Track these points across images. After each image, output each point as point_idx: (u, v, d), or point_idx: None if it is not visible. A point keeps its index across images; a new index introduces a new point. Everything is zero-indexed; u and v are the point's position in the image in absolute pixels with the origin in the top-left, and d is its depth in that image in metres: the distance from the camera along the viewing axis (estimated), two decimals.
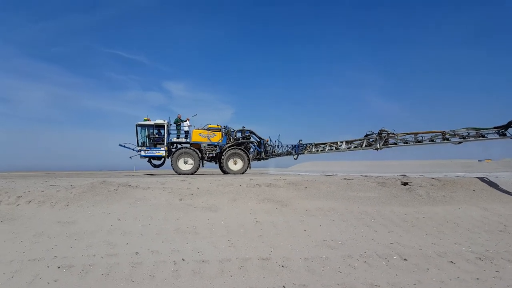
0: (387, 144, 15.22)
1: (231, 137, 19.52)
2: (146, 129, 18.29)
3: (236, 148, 18.95)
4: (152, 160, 18.93)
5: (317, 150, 18.57)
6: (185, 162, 18.27)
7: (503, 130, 11.70)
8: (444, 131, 13.13)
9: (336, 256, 6.02)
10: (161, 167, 19.43)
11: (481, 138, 12.26)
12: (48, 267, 5.42)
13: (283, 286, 5.04)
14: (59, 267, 5.41)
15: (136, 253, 5.95)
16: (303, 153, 19.17)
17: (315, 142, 18.78)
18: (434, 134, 13.65)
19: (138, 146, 18.20)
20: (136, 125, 18.10)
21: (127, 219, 7.51)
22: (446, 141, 13.21)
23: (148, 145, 18.21)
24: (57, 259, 5.67)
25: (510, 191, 10.23)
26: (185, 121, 19.00)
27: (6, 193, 8.66)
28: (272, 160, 21.20)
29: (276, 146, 20.20)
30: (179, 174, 17.79)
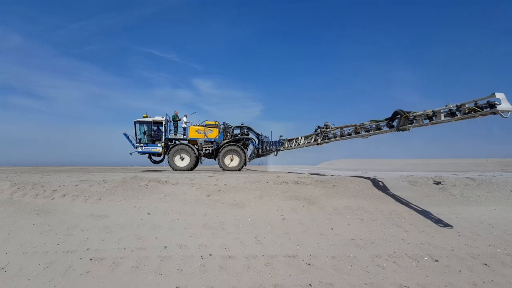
0: (326, 139, 14.94)
1: (228, 134, 19.47)
2: (145, 126, 18.63)
3: (233, 144, 18.88)
4: (152, 157, 19.21)
5: (289, 146, 18.27)
6: (182, 159, 18.51)
7: (390, 122, 10.94)
8: (356, 125, 12.64)
9: (364, 256, 5.91)
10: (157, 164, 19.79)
11: (378, 131, 11.61)
12: (80, 259, 5.62)
13: (310, 284, 5.00)
14: (91, 259, 5.60)
15: (165, 247, 6.07)
16: (280, 150, 18.90)
17: (288, 138, 18.47)
18: (350, 128, 13.20)
19: (136, 142, 18.61)
20: (134, 122, 18.50)
21: (157, 213, 7.67)
22: (357, 134, 12.69)
23: (146, 142, 18.56)
24: (90, 251, 5.88)
25: None
26: (182, 118, 19.31)
27: (42, 187, 9.04)
28: (273, 157, 21.09)
29: (267, 142, 20.02)
30: (175, 170, 18.04)
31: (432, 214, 8.14)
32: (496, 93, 7.15)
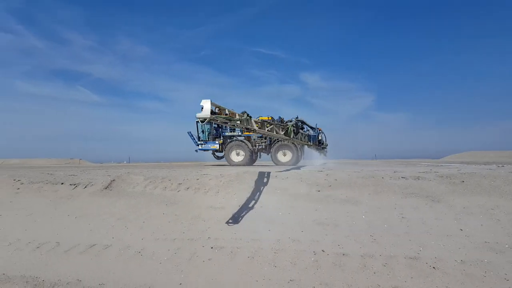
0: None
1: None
2: (205, 125, 19.59)
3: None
4: (215, 153, 20.49)
5: None
6: (237, 154, 19.17)
7: None
8: None
9: (502, 261, 5.10)
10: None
11: None
12: (203, 246, 6.07)
13: None
14: (212, 247, 6.00)
15: (278, 240, 6.17)
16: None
17: None
18: None
19: (198, 140, 20.16)
20: (196, 121, 19.66)
21: (269, 207, 7.86)
22: None
23: (206, 139, 19.99)
24: (210, 240, 6.31)
25: None
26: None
27: (169, 180, 10.06)
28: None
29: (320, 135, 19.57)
30: (232, 165, 18.60)
31: None
32: (203, 100, 6.60)
